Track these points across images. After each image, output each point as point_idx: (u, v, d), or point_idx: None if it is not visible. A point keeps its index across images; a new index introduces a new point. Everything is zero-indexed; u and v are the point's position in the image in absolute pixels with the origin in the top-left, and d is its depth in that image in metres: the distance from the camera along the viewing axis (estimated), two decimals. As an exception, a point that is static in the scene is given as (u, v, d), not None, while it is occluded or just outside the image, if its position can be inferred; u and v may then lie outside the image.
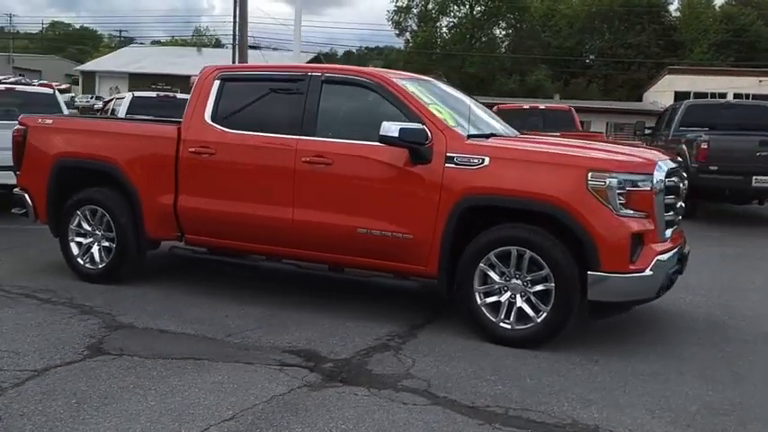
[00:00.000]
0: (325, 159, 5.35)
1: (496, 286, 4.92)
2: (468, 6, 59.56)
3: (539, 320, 4.80)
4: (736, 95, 37.72)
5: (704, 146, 11.12)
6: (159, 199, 5.95)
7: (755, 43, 54.99)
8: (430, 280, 5.18)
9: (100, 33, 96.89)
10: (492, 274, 4.92)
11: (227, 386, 4.03)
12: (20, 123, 6.66)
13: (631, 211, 4.69)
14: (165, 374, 4.19)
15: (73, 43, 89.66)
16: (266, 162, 5.58)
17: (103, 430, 3.48)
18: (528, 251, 4.78)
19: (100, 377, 4.13)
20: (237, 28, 21.60)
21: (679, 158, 5.66)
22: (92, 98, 48.05)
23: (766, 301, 6.62)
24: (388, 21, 61.87)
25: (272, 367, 4.35)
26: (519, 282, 4.85)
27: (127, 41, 78.59)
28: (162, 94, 14.97)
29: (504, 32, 61.74)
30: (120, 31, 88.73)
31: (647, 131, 15.48)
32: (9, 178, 7.33)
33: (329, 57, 70.86)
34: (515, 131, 6.36)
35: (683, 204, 5.45)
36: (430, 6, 59.92)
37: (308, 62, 42.94)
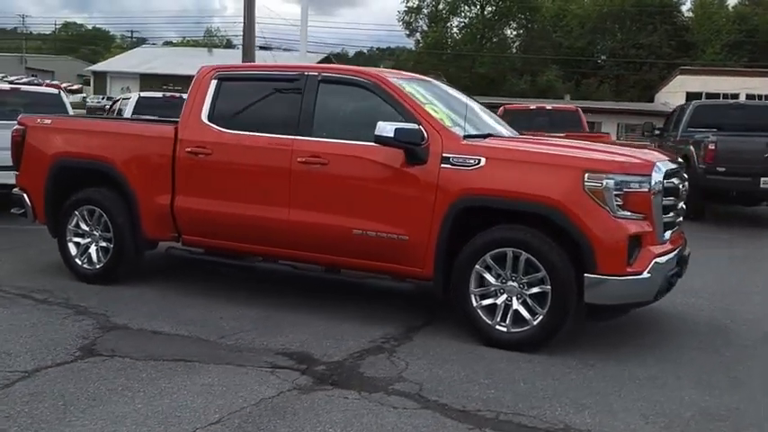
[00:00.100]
0: (320, 160, 5.31)
1: (492, 288, 4.86)
2: (478, 7, 59.49)
3: (535, 323, 4.73)
4: (749, 96, 37.47)
5: (711, 147, 11.00)
6: (156, 199, 5.92)
7: (769, 43, 54.64)
8: (426, 282, 5.12)
9: (112, 34, 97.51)
10: (488, 276, 4.86)
11: (216, 388, 4.00)
12: (19, 123, 6.66)
13: (629, 213, 4.62)
14: (154, 376, 4.16)
15: (85, 44, 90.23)
16: (262, 162, 5.55)
17: (88, 433, 3.45)
18: (524, 253, 4.71)
19: (89, 379, 4.10)
20: (245, 29, 21.55)
21: (680, 160, 5.57)
22: (103, 98, 48.26)
23: (768, 305, 6.53)
24: (399, 21, 61.93)
25: (263, 369, 4.31)
26: (515, 284, 4.79)
27: (139, 42, 79.00)
28: (168, 94, 14.98)
29: (514, 33, 61.74)
30: (132, 31, 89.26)
31: (655, 132, 15.36)
32: (10, 178, 7.33)
33: (340, 57, 70.95)
34: (515, 132, 6.29)
35: (684, 206, 5.38)
36: (440, 7, 59.89)
37: (318, 62, 43.09)
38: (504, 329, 4.82)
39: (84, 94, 51.93)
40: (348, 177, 5.27)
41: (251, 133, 5.63)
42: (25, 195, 6.61)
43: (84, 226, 6.29)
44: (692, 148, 11.72)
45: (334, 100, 5.57)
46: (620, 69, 57.38)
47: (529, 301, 4.76)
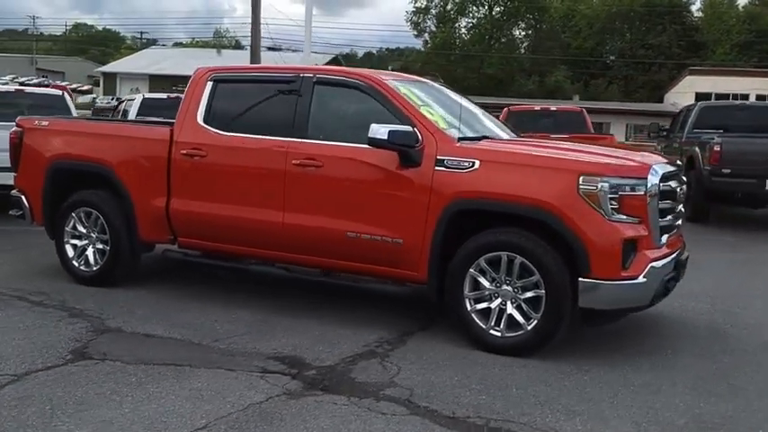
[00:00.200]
0: (315, 162, 5.28)
1: (487, 292, 4.81)
2: (487, 7, 59.35)
3: (529, 328, 4.68)
4: (759, 97, 37.25)
5: (717, 148, 10.90)
6: (152, 201, 5.91)
7: (779, 44, 54.25)
8: (420, 285, 5.08)
9: (123, 35, 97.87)
10: (482, 279, 4.81)
11: (204, 393, 3.97)
12: (17, 125, 6.67)
13: (624, 217, 4.56)
14: (143, 380, 4.13)
15: (96, 45, 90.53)
16: (257, 165, 5.53)
17: (73, 438, 3.43)
18: (518, 257, 4.67)
19: (78, 383, 4.08)
20: (252, 30, 21.59)
21: (679, 162, 5.50)
22: (112, 99, 48.42)
23: (770, 309, 6.45)
24: (407, 22, 61.84)
25: (253, 374, 4.28)
26: (509, 288, 4.75)
27: (149, 43, 79.22)
28: (173, 95, 14.99)
29: (523, 33, 61.51)
30: (142, 32, 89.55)
31: (661, 133, 15.27)
32: (11, 179, 7.33)
33: (349, 58, 71.01)
34: (514, 134, 6.24)
35: (683, 209, 5.32)
36: (449, 7, 59.76)
37: (326, 63, 43.12)
38: (499, 334, 4.77)
39: (94, 95, 52.04)
40: (342, 180, 5.23)
41: (246, 135, 5.60)
42: (23, 197, 6.61)
43: (81, 228, 6.29)
44: (697, 149, 11.63)
45: (329, 102, 5.54)
46: (629, 70, 57.13)
47: (523, 305, 4.71)
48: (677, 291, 5.36)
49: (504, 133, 6.04)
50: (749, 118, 12.82)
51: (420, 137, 4.95)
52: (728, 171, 10.81)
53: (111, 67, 59.66)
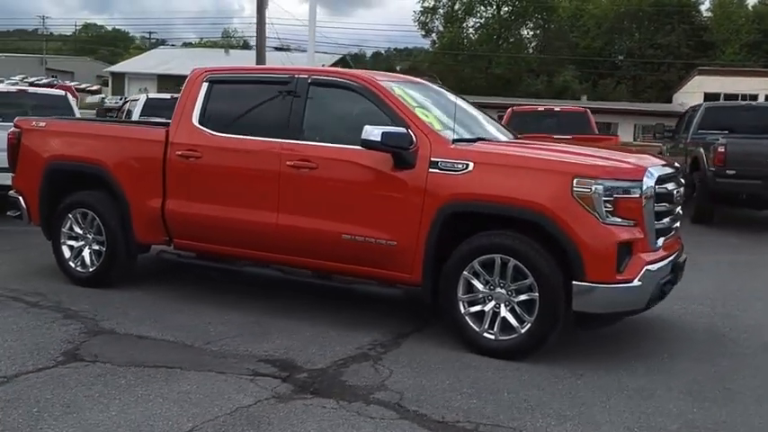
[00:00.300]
0: (309, 163, 5.25)
1: (480, 295, 4.78)
2: (494, 7, 59.19)
3: (523, 331, 4.64)
4: (768, 97, 37.01)
5: (721, 149, 10.81)
6: (147, 202, 5.89)
7: (789, 44, 53.89)
8: (414, 288, 5.04)
9: (132, 35, 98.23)
10: (476, 282, 4.77)
11: (193, 396, 3.94)
12: (14, 126, 6.67)
13: (619, 219, 4.51)
14: (133, 383, 4.11)
15: (105, 45, 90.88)
16: (251, 166, 5.50)
17: (57, 441, 3.42)
18: (512, 259, 4.62)
19: (68, 385, 4.06)
20: (257, 30, 21.60)
21: (677, 164, 5.44)
22: (121, 99, 48.56)
23: (770, 312, 6.38)
24: (415, 22, 61.76)
25: (243, 377, 4.25)
26: (503, 291, 4.70)
27: (158, 43, 79.42)
28: (176, 95, 14.98)
29: (531, 33, 61.32)
30: (151, 32, 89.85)
31: (666, 134, 15.17)
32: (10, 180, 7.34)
33: (357, 58, 70.99)
34: (511, 135, 6.19)
35: (681, 211, 5.27)
36: (456, 7, 59.63)
37: (333, 64, 43.12)
38: (492, 337, 4.73)
39: (103, 95, 52.21)
40: (337, 181, 5.20)
41: (241, 136, 5.58)
42: (21, 198, 6.62)
43: (77, 229, 6.29)
44: (701, 150, 11.54)
45: (323, 103, 5.50)
46: (637, 70, 56.88)
47: (517, 308, 4.67)
48: (677, 293, 5.31)
49: (501, 135, 5.99)
50: (755, 119, 12.72)
51: (414, 138, 4.92)
52: (733, 172, 10.72)
53: (119, 67, 59.83)
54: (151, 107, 13.67)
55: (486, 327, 4.74)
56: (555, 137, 10.39)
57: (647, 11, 56.09)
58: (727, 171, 10.76)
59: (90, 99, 49.84)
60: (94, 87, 58.42)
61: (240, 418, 3.70)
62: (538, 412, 3.91)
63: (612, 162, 4.80)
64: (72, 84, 49.79)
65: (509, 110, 14.23)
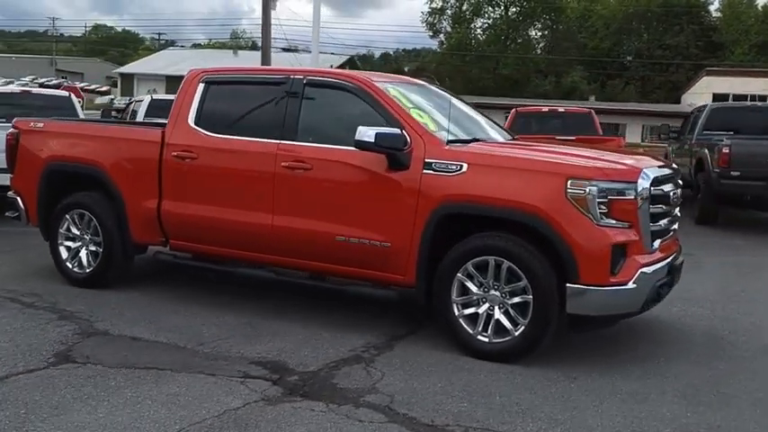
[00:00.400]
0: (304, 164, 5.22)
1: (474, 297, 4.74)
2: (502, 7, 59.06)
3: (517, 333, 4.60)
4: (777, 98, 36.73)
5: (725, 150, 10.73)
6: (144, 203, 5.88)
7: (799, 44, 53.49)
8: (408, 289, 5.00)
9: (141, 36, 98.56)
10: (470, 284, 4.74)
11: (181, 399, 3.93)
12: (13, 127, 6.68)
13: (613, 221, 4.47)
14: (122, 385, 4.10)
15: (115, 46, 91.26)
16: (247, 167, 5.48)
17: (43, 443, 3.40)
18: (506, 261, 4.58)
19: (57, 386, 4.05)
20: (262, 31, 21.63)
21: (675, 166, 5.39)
22: (130, 100, 48.65)
23: (771, 314, 6.31)
24: (422, 22, 61.67)
25: (233, 379, 4.23)
26: (497, 293, 4.67)
27: (167, 44, 79.65)
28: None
29: (539, 33, 61.12)
30: (161, 34, 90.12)
31: (671, 135, 15.08)
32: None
33: (365, 59, 71.02)
34: (509, 136, 6.15)
35: (679, 213, 5.22)
36: (464, 8, 59.52)
37: (341, 65, 43.09)
38: (486, 339, 4.69)
39: (112, 96, 52.39)
40: (331, 182, 5.18)
41: (236, 137, 5.56)
42: (19, 198, 6.62)
43: (74, 230, 6.29)
44: (706, 151, 11.47)
45: (319, 104, 5.47)
46: (646, 70, 56.61)
47: (511, 310, 4.63)
48: (677, 295, 5.27)
49: (498, 136, 5.95)
50: (761, 119, 12.63)
51: (408, 139, 4.88)
52: (737, 173, 10.64)
53: (128, 68, 60.03)
54: (156, 108, 13.66)
55: (480, 329, 4.70)
56: (558, 138, 10.31)
57: (655, 11, 55.80)
58: (732, 172, 10.68)
59: (99, 100, 49.99)
60: (104, 88, 58.70)
61: (228, 420, 3.68)
62: (529, 416, 3.87)
63: (607, 163, 4.76)
64: (81, 85, 50.07)
65: (513, 111, 14.17)
